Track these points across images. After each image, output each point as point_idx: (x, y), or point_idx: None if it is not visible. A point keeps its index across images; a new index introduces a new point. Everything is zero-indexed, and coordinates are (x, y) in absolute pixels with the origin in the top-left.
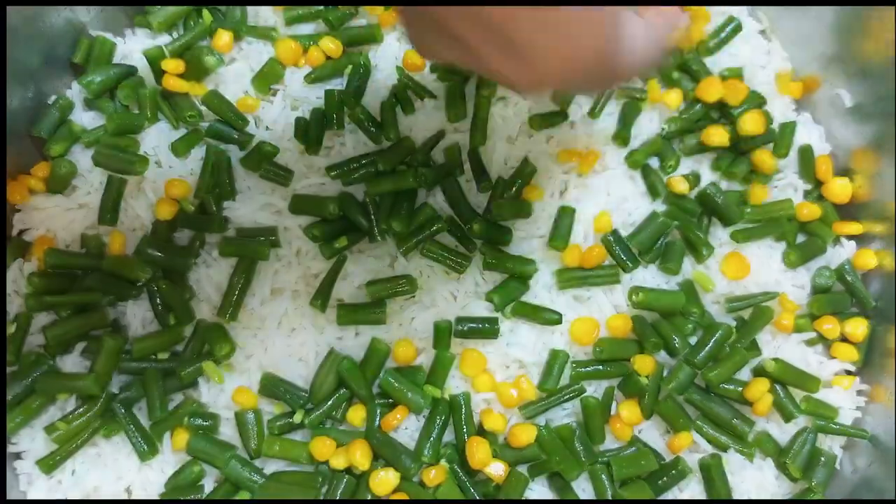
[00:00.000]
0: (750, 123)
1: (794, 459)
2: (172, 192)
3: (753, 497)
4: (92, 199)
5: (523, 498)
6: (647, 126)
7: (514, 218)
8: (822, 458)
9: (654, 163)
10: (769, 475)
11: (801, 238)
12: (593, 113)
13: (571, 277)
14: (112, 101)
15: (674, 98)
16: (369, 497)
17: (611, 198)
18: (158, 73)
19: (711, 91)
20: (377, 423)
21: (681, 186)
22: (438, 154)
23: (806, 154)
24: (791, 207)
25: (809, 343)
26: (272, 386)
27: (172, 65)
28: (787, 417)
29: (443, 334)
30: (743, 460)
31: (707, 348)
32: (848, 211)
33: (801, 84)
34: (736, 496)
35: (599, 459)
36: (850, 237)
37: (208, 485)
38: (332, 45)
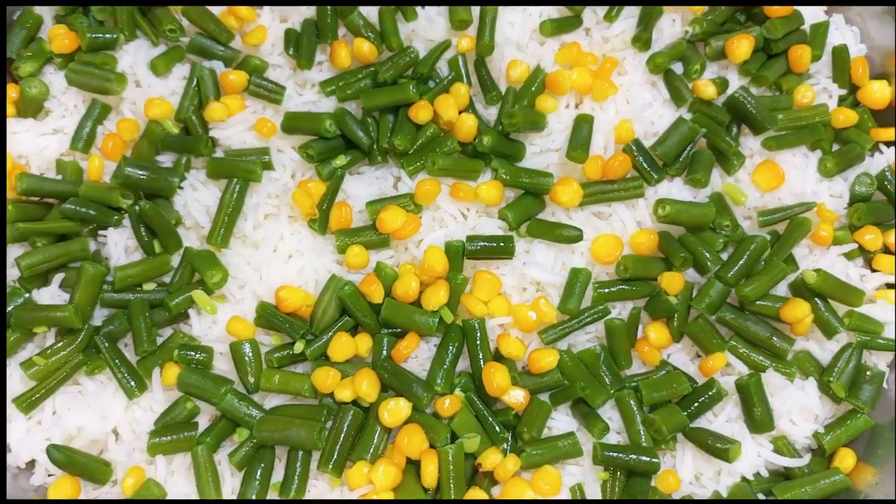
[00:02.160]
0: (780, 26)
1: (839, 377)
2: (153, 113)
3: (796, 418)
4: (66, 122)
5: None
6: (669, 29)
7: (527, 130)
8: (869, 375)
9: (678, 68)
10: (812, 395)
11: (836, 147)
12: (610, 16)
13: (594, 191)
14: (86, 16)
15: None
16: (378, 431)
17: (631, 106)
18: None
19: None
20: (385, 353)
21: (708, 90)
22: (441, 64)
23: (840, 56)
24: (826, 113)
25: (850, 256)
26: (269, 315)
27: None
28: (830, 333)
29: (454, 255)
30: (783, 380)
31: (740, 263)
32: (886, 116)
33: None
34: (777, 418)
35: (627, 385)
36: (889, 144)
37: (203, 422)
38: None
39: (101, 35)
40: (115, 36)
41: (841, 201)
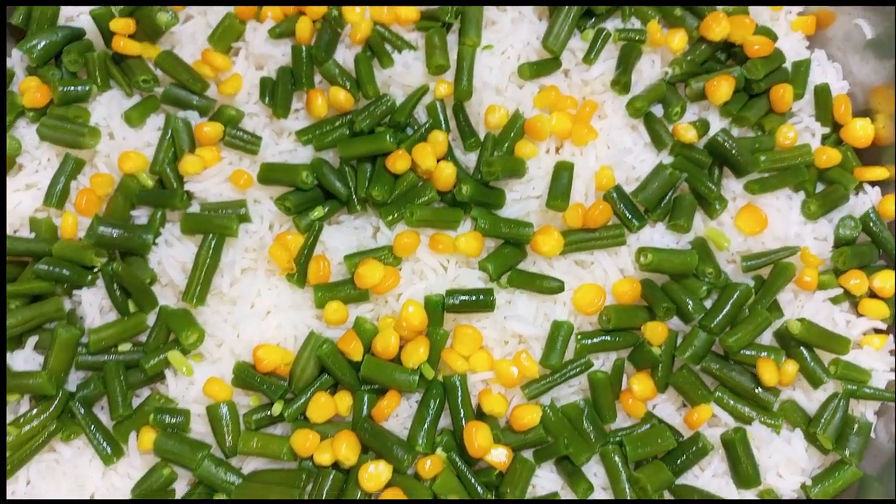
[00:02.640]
0: (761, 65)
1: (826, 429)
2: (127, 167)
3: (783, 471)
4: (40, 177)
5: (529, 486)
6: (649, 71)
7: (506, 177)
8: (856, 426)
9: (658, 110)
10: (798, 447)
11: (820, 187)
12: (588, 58)
13: (575, 240)
14: (58, 68)
15: (678, 39)
16: (359, 495)
17: (611, 151)
18: (107, 35)
19: (717, 28)
20: (365, 411)
21: (689, 134)
22: (419, 109)
23: (822, 94)
24: (809, 153)
25: (835, 300)
26: (247, 376)
27: (122, 24)
28: (816, 383)
29: (434, 309)
30: (769, 432)
31: (724, 312)
32: (870, 155)
33: (813, 18)
34: (763, 472)
35: (611, 440)
36: (873, 183)
37: (180, 488)
38: None
39: (73, 87)
40: (87, 88)
41: (826, 244)
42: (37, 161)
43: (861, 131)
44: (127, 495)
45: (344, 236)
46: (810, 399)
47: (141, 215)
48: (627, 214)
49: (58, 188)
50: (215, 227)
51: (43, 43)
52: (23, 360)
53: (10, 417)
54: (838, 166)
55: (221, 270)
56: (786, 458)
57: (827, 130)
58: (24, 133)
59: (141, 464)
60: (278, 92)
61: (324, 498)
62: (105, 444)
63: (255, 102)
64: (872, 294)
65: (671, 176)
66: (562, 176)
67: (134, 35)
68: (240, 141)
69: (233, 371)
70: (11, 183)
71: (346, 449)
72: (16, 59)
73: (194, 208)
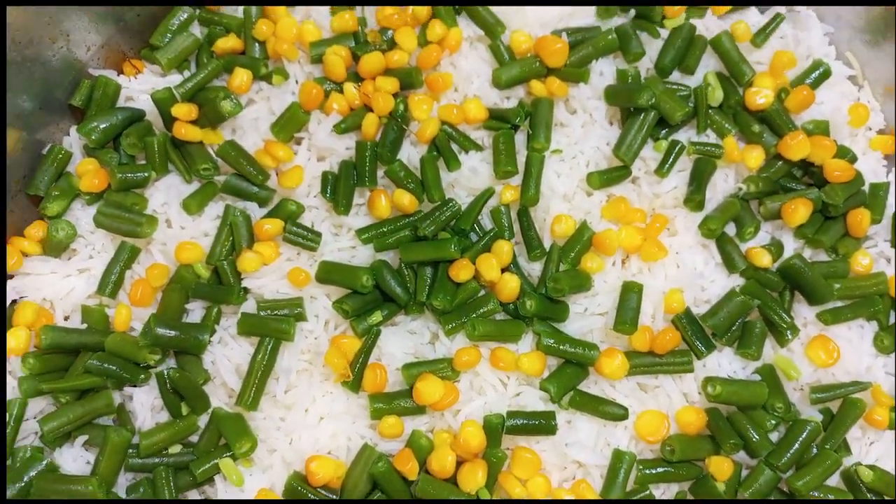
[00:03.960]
0: (841, 191)
1: None
2: (184, 257)
3: None
4: (94, 263)
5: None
6: (722, 185)
7: (572, 292)
8: None
9: (730, 228)
10: None
11: (892, 317)
12: (661, 171)
13: (640, 364)
14: (116, 151)
15: (755, 156)
16: None
17: (681, 271)
18: (168, 119)
19: (797, 148)
20: None
21: (763, 260)
22: (484, 214)
23: None
24: (885, 282)
25: None
26: (299, 490)
27: (184, 110)
28: None
29: (493, 430)
30: None
31: (792, 450)
32: None
33: (893, 138)
34: None
35: None
36: None
37: None
38: (353, 91)
39: (131, 174)
40: (146, 175)
41: None
42: (91, 246)
43: None
44: None
45: (401, 341)
46: None
47: (195, 308)
48: (696, 342)
49: (112, 278)
50: (273, 330)
51: (102, 125)
52: (71, 457)
53: None
54: None
55: (276, 374)
56: None
57: None
58: (79, 216)
59: None
60: (340, 188)
61: None
62: None
63: (315, 196)
64: None
65: (743, 303)
66: (630, 298)
67: (195, 120)
68: (300, 238)
69: (285, 484)
70: (64, 267)
71: None
72: (73, 139)
73: (250, 303)
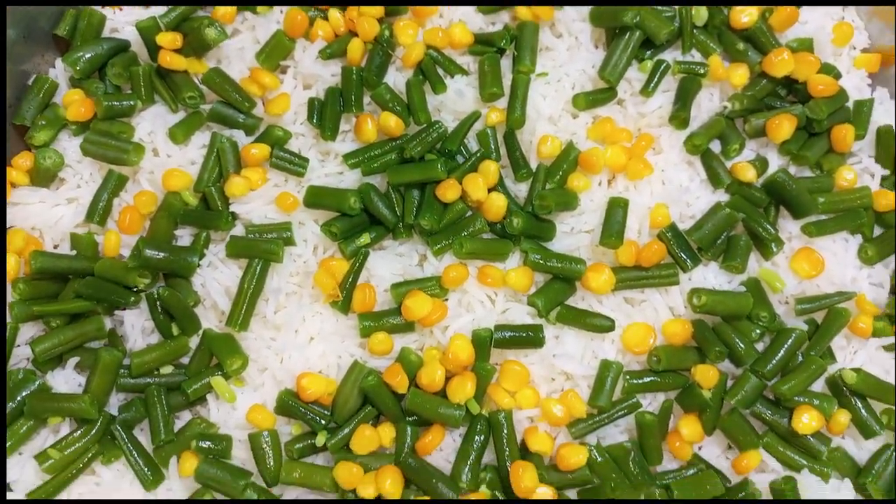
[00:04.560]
0: (824, 105)
1: (877, 480)
2: (172, 185)
3: None
4: (82, 192)
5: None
6: (707, 104)
7: (559, 211)
8: None
9: (715, 146)
10: (847, 497)
11: (877, 230)
12: (646, 91)
13: (626, 278)
14: (101, 81)
15: (740, 74)
16: None
17: (667, 187)
18: (153, 49)
19: (781, 65)
20: (408, 444)
21: (748, 174)
22: (470, 137)
23: (885, 136)
24: (868, 196)
25: (889, 349)
26: (290, 404)
27: (169, 39)
28: (868, 434)
29: (481, 344)
30: (818, 481)
31: (777, 357)
32: None
33: (878, 56)
34: None
35: (658, 483)
36: None
37: None
38: (338, 17)
39: (117, 102)
40: (132, 103)
41: (882, 291)
42: (79, 175)
43: None
44: None
45: (389, 263)
46: (860, 448)
47: (184, 235)
48: (682, 255)
49: (100, 205)
50: (261, 252)
51: (87, 55)
52: (63, 380)
53: (51, 440)
54: None
55: (266, 295)
56: None
57: (887, 172)
58: (66, 146)
59: (182, 488)
60: (327, 114)
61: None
62: (146, 468)
63: (302, 123)
64: None
65: (728, 216)
66: (616, 213)
67: (180, 50)
68: (287, 163)
69: (276, 399)
70: (52, 197)
71: (390, 483)
72: (60, 71)
73: (238, 229)
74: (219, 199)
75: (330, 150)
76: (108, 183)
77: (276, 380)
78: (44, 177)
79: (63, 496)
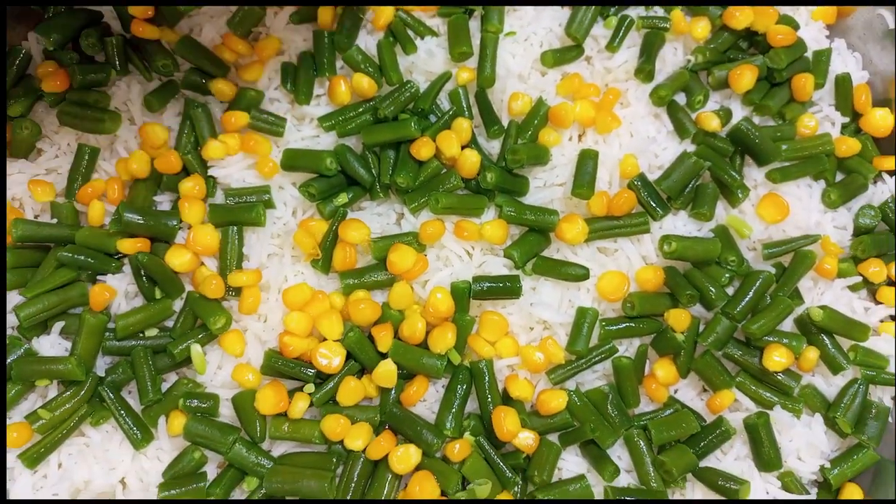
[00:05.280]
0: (784, 55)
1: (845, 414)
2: (152, 140)
3: (803, 455)
4: (60, 162)
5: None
6: (671, 58)
7: (530, 164)
8: (874, 411)
9: (681, 98)
10: (818, 431)
11: (839, 176)
12: (611, 46)
13: (599, 227)
14: (75, 52)
15: (701, 27)
16: (389, 478)
17: (635, 139)
18: (126, 19)
19: (740, 17)
20: (393, 396)
21: (712, 123)
22: (441, 96)
23: (843, 84)
24: (830, 142)
25: (854, 288)
26: (276, 362)
27: (140, 8)
28: (836, 370)
29: (460, 296)
30: (790, 417)
31: (746, 299)
32: (888, 144)
33: (834, 8)
34: (784, 455)
35: (636, 424)
36: (892, 172)
37: (211, 471)
38: None
39: (92, 73)
40: (106, 73)
41: (845, 233)
42: (56, 146)
43: (881, 121)
44: (157, 477)
45: (367, 222)
46: (829, 384)
47: (163, 201)
48: (651, 203)
49: (75, 185)
50: (244, 218)
51: (60, 26)
52: (49, 344)
53: (38, 402)
54: (857, 155)
55: (248, 257)
56: (806, 442)
57: (847, 120)
58: (42, 117)
59: (171, 447)
60: (300, 78)
61: (354, 480)
62: (135, 428)
63: (276, 88)
64: (891, 282)
65: (695, 164)
66: (587, 164)
67: (152, 19)
68: (265, 123)
69: (263, 358)
70: (31, 168)
71: (378, 437)
72: (32, 43)
73: (218, 197)
74: (197, 164)
75: (305, 115)
76: (80, 160)
77: (260, 340)
78: (21, 147)
79: (53, 458)
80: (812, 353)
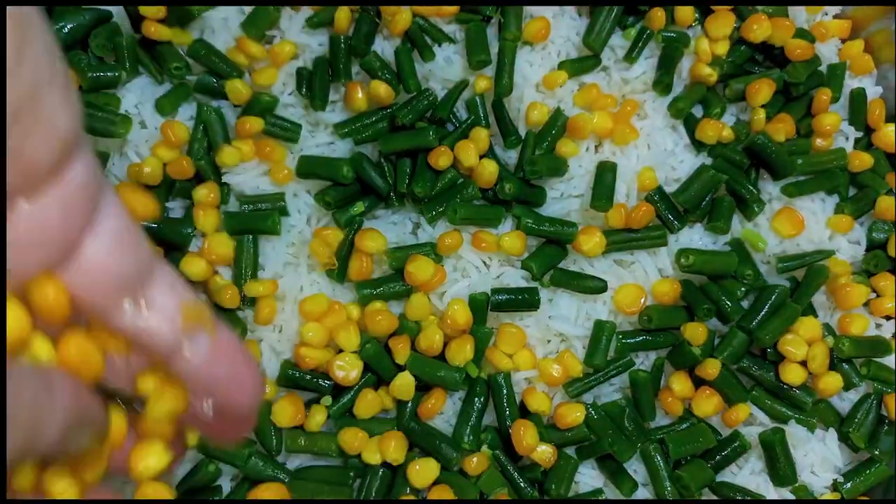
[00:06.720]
0: (802, 69)
1: (858, 429)
2: (175, 138)
3: (817, 469)
4: None
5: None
6: (687, 69)
7: (549, 176)
8: (887, 426)
9: (698, 110)
10: (832, 446)
11: (851, 191)
12: (630, 57)
13: (616, 240)
14: (84, 53)
15: (721, 44)
16: (407, 492)
17: (652, 151)
18: (136, 19)
19: (758, 30)
20: (410, 408)
21: (723, 132)
22: (458, 105)
23: (858, 98)
24: (844, 157)
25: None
26: (293, 374)
27: (152, 9)
28: (849, 386)
29: (478, 308)
30: (805, 431)
31: (762, 312)
32: None
33: (849, 22)
34: (799, 470)
35: (652, 438)
36: None
37: (225, 485)
38: None
39: (101, 73)
40: (116, 74)
41: (858, 248)
42: None
43: (891, 137)
44: (171, 491)
45: (383, 231)
46: (842, 399)
47: (174, 208)
48: (669, 216)
49: None
50: (260, 227)
51: (69, 26)
52: None
53: None
54: (870, 170)
55: (263, 266)
56: (820, 457)
57: (860, 134)
58: None
59: (184, 460)
60: (316, 83)
61: (373, 496)
62: None
63: (291, 93)
64: None
65: (713, 178)
66: (605, 176)
67: (164, 20)
68: (279, 129)
69: (280, 369)
70: None
71: (395, 448)
72: None
73: (231, 205)
74: (210, 171)
75: (320, 121)
76: None
77: (275, 351)
78: None
79: None
80: (833, 378)
